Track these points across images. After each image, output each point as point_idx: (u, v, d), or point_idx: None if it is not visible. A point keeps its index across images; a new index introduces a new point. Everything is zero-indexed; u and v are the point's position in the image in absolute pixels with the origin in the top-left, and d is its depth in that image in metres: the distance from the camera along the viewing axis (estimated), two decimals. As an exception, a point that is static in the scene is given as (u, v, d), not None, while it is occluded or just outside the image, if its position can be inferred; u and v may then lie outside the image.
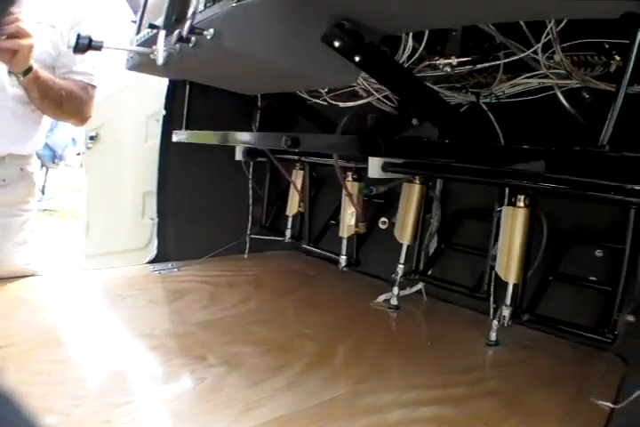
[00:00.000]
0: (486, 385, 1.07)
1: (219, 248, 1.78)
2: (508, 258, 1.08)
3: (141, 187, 1.94)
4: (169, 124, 1.81)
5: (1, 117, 1.47)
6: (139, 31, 1.62)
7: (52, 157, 5.30)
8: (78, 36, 1.14)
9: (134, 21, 1.74)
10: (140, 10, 1.68)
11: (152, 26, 1.42)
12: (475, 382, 1.08)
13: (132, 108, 2.00)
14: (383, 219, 1.61)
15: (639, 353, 1.06)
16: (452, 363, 1.15)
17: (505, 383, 1.07)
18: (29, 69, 1.37)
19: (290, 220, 1.75)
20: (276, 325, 1.32)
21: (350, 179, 1.38)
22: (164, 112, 1.81)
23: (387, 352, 1.20)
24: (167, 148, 1.79)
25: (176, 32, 1.05)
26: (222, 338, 1.25)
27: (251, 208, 1.85)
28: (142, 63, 1.62)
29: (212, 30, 0.92)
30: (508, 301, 1.09)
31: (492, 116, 1.23)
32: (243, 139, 1.42)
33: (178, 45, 1.08)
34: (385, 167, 1.21)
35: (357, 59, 0.95)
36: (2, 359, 1.08)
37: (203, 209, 1.81)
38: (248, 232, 1.84)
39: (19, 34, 1.28)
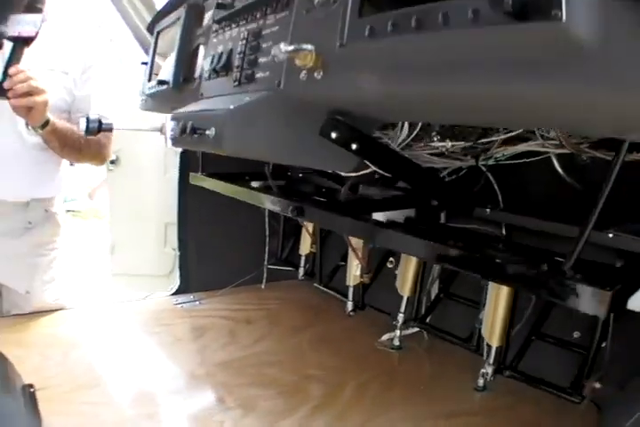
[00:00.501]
0: None
1: (237, 278, 1.95)
2: (492, 324, 1.23)
3: (163, 217, 2.10)
4: (186, 162, 1.94)
5: (22, 165, 1.61)
6: (150, 78, 1.75)
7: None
8: (88, 119, 1.26)
9: (145, 63, 1.87)
10: (150, 54, 1.80)
11: (161, 82, 1.55)
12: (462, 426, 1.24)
13: (150, 137, 2.11)
14: (391, 259, 1.75)
15: (612, 402, 1.19)
16: (440, 407, 1.31)
17: None
18: (46, 123, 1.49)
19: (303, 258, 1.89)
20: (287, 366, 1.49)
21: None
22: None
23: (385, 395, 1.37)
24: (185, 183, 1.94)
25: (180, 124, 1.17)
26: (239, 380, 1.42)
27: (267, 239, 1.99)
28: (155, 106, 1.75)
29: (213, 129, 1.04)
30: (491, 360, 1.24)
31: (492, 178, 1.34)
32: (252, 198, 1.54)
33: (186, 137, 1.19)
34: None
35: (354, 147, 1.08)
36: (41, 401, 1.24)
37: (222, 241, 1.96)
38: (265, 263, 1.98)
39: (32, 91, 1.38)
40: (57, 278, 1.76)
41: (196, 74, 1.45)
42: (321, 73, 0.89)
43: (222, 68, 1.22)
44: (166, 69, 1.72)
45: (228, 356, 1.54)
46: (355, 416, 1.27)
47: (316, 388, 1.39)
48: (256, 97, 1.03)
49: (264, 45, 1.09)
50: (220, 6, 1.27)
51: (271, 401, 1.34)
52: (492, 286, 1.23)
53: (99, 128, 1.26)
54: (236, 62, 1.18)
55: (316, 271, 1.80)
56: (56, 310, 1.75)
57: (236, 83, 1.16)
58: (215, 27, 1.34)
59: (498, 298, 1.21)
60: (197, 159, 1.86)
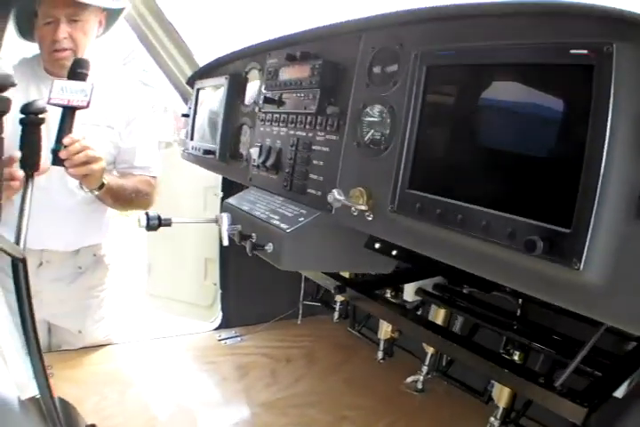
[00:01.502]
0: None
1: (274, 313, 2.16)
2: (501, 390, 1.44)
3: (203, 253, 2.28)
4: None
5: (72, 218, 1.76)
6: (192, 136, 1.90)
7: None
8: (148, 217, 1.39)
9: (186, 115, 2.01)
10: (192, 111, 1.93)
11: (207, 152, 1.70)
12: None
13: (188, 171, 2.24)
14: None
15: None
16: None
17: None
18: (102, 185, 1.59)
19: (338, 303, 2.06)
20: (324, 407, 1.72)
21: (389, 295, 1.71)
22: (220, 194, 2.12)
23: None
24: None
25: (238, 231, 1.34)
26: (282, 420, 1.66)
27: (303, 277, 2.10)
28: (197, 162, 1.90)
29: (271, 246, 1.23)
30: (498, 416, 1.46)
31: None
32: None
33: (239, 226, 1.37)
34: (417, 293, 1.56)
35: (394, 253, 1.26)
36: None
37: (261, 278, 2.11)
38: (301, 299, 2.17)
39: (89, 160, 1.46)
40: (106, 317, 1.97)
41: (243, 152, 1.60)
42: (371, 216, 1.06)
43: (272, 166, 1.39)
44: (205, 133, 1.86)
45: (272, 396, 1.77)
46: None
47: (350, 429, 1.63)
48: (310, 219, 1.21)
49: (314, 162, 1.25)
50: (268, 101, 1.41)
51: (313, 441, 1.58)
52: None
53: (159, 224, 1.40)
54: (286, 168, 1.35)
55: (349, 315, 2.00)
56: (105, 345, 1.97)
57: (287, 187, 1.33)
58: (262, 116, 1.48)
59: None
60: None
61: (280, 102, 1.39)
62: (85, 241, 1.87)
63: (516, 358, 1.40)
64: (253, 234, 1.30)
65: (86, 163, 1.46)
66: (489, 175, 0.84)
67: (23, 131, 1.35)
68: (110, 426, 1.54)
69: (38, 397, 1.34)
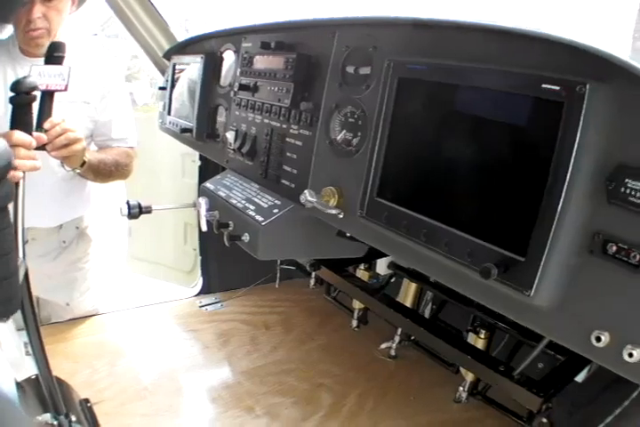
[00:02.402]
0: None
1: (254, 277, 2.22)
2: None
3: (183, 217, 2.30)
4: (205, 171, 2.11)
5: (55, 195, 1.77)
6: (169, 111, 1.88)
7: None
8: (129, 205, 1.43)
9: (163, 88, 1.98)
10: (168, 86, 1.91)
11: (185, 130, 1.70)
12: None
13: (165, 138, 2.21)
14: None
15: (563, 423, 1.53)
16: (425, 416, 1.64)
17: None
18: (83, 163, 1.60)
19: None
20: (301, 375, 1.81)
21: (362, 268, 1.77)
22: (198, 162, 2.12)
23: (381, 405, 1.70)
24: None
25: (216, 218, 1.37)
26: (262, 388, 1.75)
27: None
28: (174, 136, 1.90)
29: (247, 236, 1.26)
30: (466, 388, 1.57)
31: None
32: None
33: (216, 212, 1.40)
34: (389, 266, 1.62)
35: None
36: (101, 415, 1.52)
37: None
38: (278, 262, 2.22)
39: (70, 142, 1.46)
40: (92, 287, 2.02)
41: (219, 133, 1.60)
42: (342, 215, 1.09)
43: (248, 153, 1.39)
44: (182, 108, 1.84)
45: (252, 364, 1.85)
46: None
47: (326, 397, 1.72)
48: (284, 211, 1.24)
49: (288, 154, 1.27)
50: (243, 88, 1.40)
51: (290, 409, 1.67)
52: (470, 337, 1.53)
53: (140, 212, 1.42)
54: (261, 156, 1.36)
55: (325, 282, 2.06)
56: (92, 315, 2.03)
57: (262, 175, 1.35)
58: (237, 100, 1.47)
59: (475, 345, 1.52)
60: (215, 169, 2.03)
61: (255, 89, 1.38)
62: (67, 216, 1.89)
63: (482, 336, 1.49)
64: (230, 222, 1.33)
65: (67, 145, 1.46)
66: (453, 195, 0.87)
67: (14, 110, 1.33)
68: (103, 399, 1.61)
69: (34, 377, 1.42)
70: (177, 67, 1.86)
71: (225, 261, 2.18)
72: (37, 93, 1.41)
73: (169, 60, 1.95)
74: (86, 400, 1.58)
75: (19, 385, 1.32)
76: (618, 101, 0.68)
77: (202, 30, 1.77)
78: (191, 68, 1.76)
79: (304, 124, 1.21)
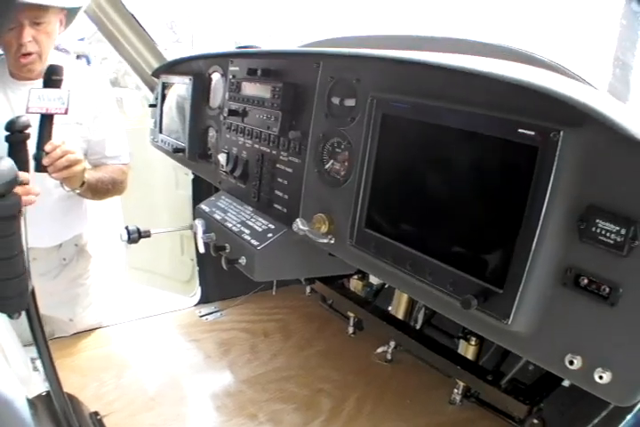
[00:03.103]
0: None
1: (251, 285, 2.25)
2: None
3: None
4: (199, 185, 2.16)
5: (53, 215, 1.80)
6: (160, 129, 1.92)
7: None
8: (128, 231, 1.50)
9: (153, 105, 2.02)
10: (159, 105, 1.94)
11: (177, 150, 1.74)
12: None
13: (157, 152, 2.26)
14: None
15: (555, 423, 1.61)
16: (422, 419, 1.71)
17: None
18: (82, 183, 1.64)
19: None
20: (301, 381, 1.87)
21: (355, 278, 1.84)
22: (191, 176, 2.17)
23: (379, 408, 1.76)
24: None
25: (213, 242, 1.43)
26: (264, 395, 1.81)
27: None
28: (167, 153, 1.94)
29: (244, 259, 1.32)
30: (460, 392, 1.64)
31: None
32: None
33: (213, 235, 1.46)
34: None
35: None
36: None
37: None
38: None
39: (71, 164, 1.50)
40: (94, 302, 2.07)
41: (211, 153, 1.65)
42: (333, 240, 1.14)
43: (240, 177, 1.44)
44: (172, 124, 1.88)
45: (252, 372, 1.91)
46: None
47: (325, 402, 1.78)
48: (277, 236, 1.30)
49: (279, 180, 1.32)
50: (232, 113, 1.44)
51: (291, 415, 1.73)
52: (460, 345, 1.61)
53: (139, 236, 1.48)
54: (253, 180, 1.41)
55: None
56: (95, 329, 2.08)
57: (255, 198, 1.40)
58: (227, 123, 1.52)
59: (466, 352, 1.58)
60: (208, 182, 2.08)
61: (244, 114, 1.42)
62: (68, 234, 1.94)
63: (472, 342, 1.56)
64: (227, 245, 1.39)
65: (68, 166, 1.50)
66: (436, 228, 0.92)
67: (10, 148, 1.38)
68: (112, 411, 1.67)
69: (44, 393, 1.47)
70: (166, 86, 1.90)
71: (222, 271, 2.21)
72: (36, 117, 1.47)
73: (157, 77, 1.98)
74: (96, 413, 1.63)
75: (30, 402, 1.38)
76: (590, 146, 0.72)
77: (188, 32, 1.81)
78: (179, 85, 1.80)
79: (293, 151, 1.26)
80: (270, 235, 1.29)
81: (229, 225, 1.40)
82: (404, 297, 1.82)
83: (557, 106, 0.73)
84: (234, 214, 1.44)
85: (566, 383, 1.35)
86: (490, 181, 0.84)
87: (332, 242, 1.14)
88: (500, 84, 0.80)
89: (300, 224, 1.13)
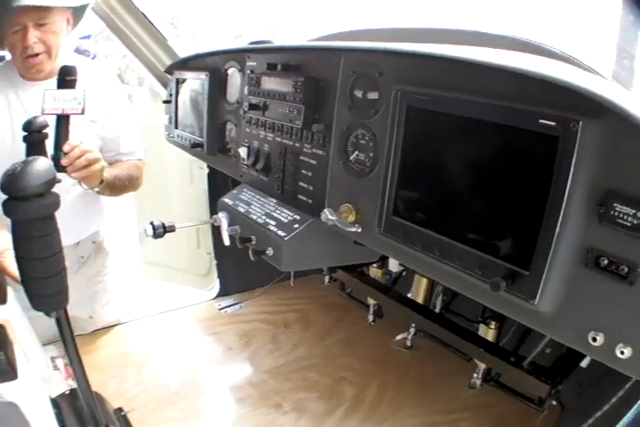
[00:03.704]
0: (460, 425, 1.73)
1: (269, 276, 2.35)
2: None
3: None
4: (215, 177, 2.24)
5: (69, 214, 1.74)
6: (176, 125, 2.00)
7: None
8: (153, 226, 1.56)
9: (167, 101, 2.09)
10: (173, 101, 2.02)
11: (195, 145, 1.83)
12: (453, 422, 1.74)
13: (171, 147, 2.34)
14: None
15: (573, 404, 1.70)
16: (441, 405, 1.81)
17: (473, 424, 1.73)
18: (101, 181, 1.70)
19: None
20: (322, 370, 1.97)
21: (375, 266, 1.93)
22: (207, 169, 2.25)
23: (399, 395, 1.86)
24: (215, 196, 2.24)
25: (239, 233, 1.51)
26: (287, 385, 1.91)
27: None
28: (183, 149, 2.02)
29: (271, 250, 1.40)
30: (480, 376, 1.73)
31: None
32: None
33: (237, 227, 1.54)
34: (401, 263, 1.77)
35: None
36: (135, 423, 1.66)
37: None
38: None
39: (90, 162, 1.56)
40: (113, 299, 2.16)
41: (230, 147, 1.73)
42: (360, 229, 1.22)
43: (262, 169, 1.52)
44: (186, 118, 1.96)
45: (275, 362, 2.01)
46: (376, 416, 1.78)
47: (348, 390, 1.89)
48: (304, 226, 1.37)
49: (303, 171, 1.40)
50: (253, 107, 1.52)
51: (315, 403, 1.83)
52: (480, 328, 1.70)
53: (164, 231, 1.56)
54: (276, 172, 1.49)
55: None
56: (114, 325, 2.17)
57: (279, 191, 1.48)
58: (247, 117, 1.59)
59: (485, 336, 1.68)
60: (224, 176, 2.15)
61: (265, 108, 1.50)
62: (86, 232, 2.01)
63: (492, 326, 1.65)
64: (253, 237, 1.47)
65: (87, 165, 1.56)
66: (463, 214, 1.00)
67: (28, 148, 1.45)
68: (134, 407, 1.75)
69: (68, 392, 1.55)
70: (180, 82, 1.97)
71: (240, 263, 2.31)
72: (52, 118, 1.53)
73: (170, 74, 2.06)
74: (120, 409, 1.70)
75: (54, 402, 1.46)
76: (607, 135, 0.79)
77: (189, 28, 1.87)
78: (192, 81, 1.88)
79: (317, 144, 1.33)
80: (296, 225, 1.37)
81: (254, 217, 1.48)
82: (423, 284, 1.91)
83: (576, 98, 0.80)
84: (258, 207, 1.52)
85: (584, 364, 1.44)
86: (513, 169, 0.92)
87: (359, 231, 1.22)
88: (521, 77, 0.88)
89: (328, 214, 1.21)
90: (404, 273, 2.01)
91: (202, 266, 2.49)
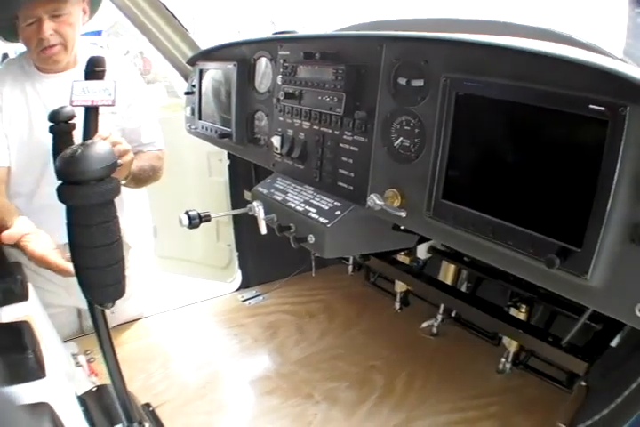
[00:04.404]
0: (489, 410, 1.83)
1: (289, 267, 2.45)
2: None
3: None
4: (236, 169, 2.33)
5: None
6: (200, 116, 2.08)
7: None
8: (189, 216, 1.62)
9: (189, 92, 2.17)
10: (197, 92, 2.10)
11: (223, 135, 1.91)
12: (482, 406, 1.84)
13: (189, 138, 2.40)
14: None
15: (597, 385, 1.80)
16: (470, 390, 1.91)
17: (502, 408, 1.83)
18: (128, 174, 1.78)
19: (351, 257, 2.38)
20: (351, 359, 2.07)
21: (403, 253, 2.03)
22: (227, 161, 2.34)
23: (429, 382, 1.96)
24: (237, 188, 2.34)
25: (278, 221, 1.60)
26: (317, 375, 2.00)
27: None
28: (206, 138, 2.10)
29: (312, 237, 1.49)
30: (509, 359, 1.84)
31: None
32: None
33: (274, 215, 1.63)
34: (429, 250, 1.88)
35: None
36: (164, 418, 1.74)
37: (273, 235, 2.37)
38: (312, 252, 2.44)
39: (120, 154, 1.61)
40: (135, 293, 2.23)
41: (260, 137, 1.81)
42: (405, 213, 1.31)
43: (298, 158, 1.61)
44: (207, 107, 2.04)
45: (302, 352, 2.11)
46: (406, 403, 1.88)
47: (378, 379, 1.98)
48: (346, 212, 1.46)
49: (343, 159, 1.48)
50: (288, 96, 1.61)
51: (346, 393, 1.93)
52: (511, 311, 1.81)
53: (200, 221, 1.63)
54: (314, 160, 1.57)
55: (363, 267, 2.31)
56: (137, 320, 2.25)
57: (317, 179, 1.57)
58: (280, 106, 1.68)
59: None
60: (246, 167, 2.24)
61: (300, 97, 1.59)
62: None
63: (522, 310, 1.75)
64: (292, 225, 1.56)
65: (118, 157, 1.55)
66: (516, 196, 1.09)
67: (55, 140, 1.49)
68: (163, 402, 1.83)
69: (95, 389, 1.60)
70: (204, 72, 2.05)
71: (261, 255, 2.42)
72: (80, 110, 1.56)
73: (192, 65, 2.14)
74: (148, 405, 1.78)
75: (80, 399, 1.49)
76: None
77: (189, 25, 1.92)
78: (214, 71, 1.98)
79: (358, 131, 1.41)
80: (338, 212, 1.46)
81: (292, 205, 1.57)
82: (450, 271, 2.02)
83: (622, 85, 0.89)
84: (295, 195, 1.61)
85: (614, 343, 1.55)
86: (563, 152, 1.01)
87: (404, 215, 1.31)
88: (571, 66, 0.97)
89: (375, 199, 1.29)
90: (429, 261, 2.12)
91: (222, 258, 2.58)
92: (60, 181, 1.09)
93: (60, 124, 1.48)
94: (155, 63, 2.54)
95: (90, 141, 1.11)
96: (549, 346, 1.54)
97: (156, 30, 2.17)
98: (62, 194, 1.08)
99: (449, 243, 1.28)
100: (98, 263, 1.16)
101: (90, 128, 1.58)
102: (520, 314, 1.79)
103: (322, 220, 1.47)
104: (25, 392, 1.18)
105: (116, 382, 1.41)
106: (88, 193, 1.08)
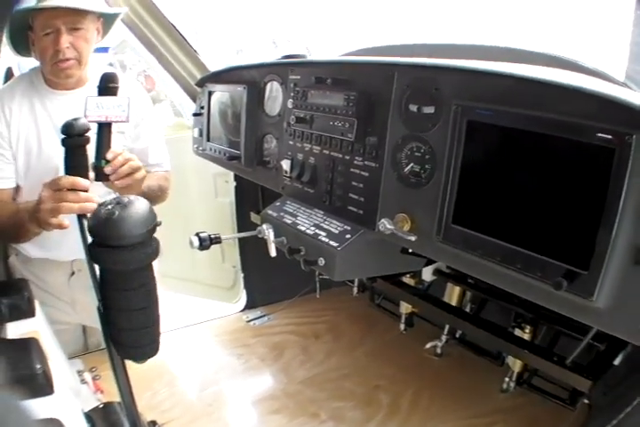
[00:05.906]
0: None
1: (294, 288, 2.51)
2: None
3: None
4: (242, 191, 2.40)
5: None
6: (209, 138, 2.16)
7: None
8: (199, 238, 1.67)
9: (197, 114, 2.25)
10: (205, 113, 2.18)
11: (232, 158, 1.98)
12: (487, 425, 1.90)
13: (195, 159, 2.43)
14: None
15: (599, 402, 1.86)
16: (474, 409, 1.96)
17: (507, 426, 1.89)
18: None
19: (356, 280, 2.45)
20: (356, 379, 2.13)
21: (408, 276, 2.10)
22: (233, 183, 2.41)
23: (434, 401, 2.02)
24: (243, 210, 2.41)
25: (288, 243, 1.67)
26: (323, 394, 2.06)
27: None
28: (214, 160, 2.17)
29: (323, 260, 1.55)
30: (513, 379, 1.91)
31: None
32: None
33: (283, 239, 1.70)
34: (434, 273, 1.95)
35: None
36: None
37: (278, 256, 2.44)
38: (317, 273, 2.48)
39: (132, 170, 1.65)
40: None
41: (269, 160, 1.89)
42: (414, 237, 1.38)
43: (309, 182, 1.68)
44: (214, 130, 2.12)
45: (308, 372, 2.16)
46: (413, 422, 1.93)
47: (383, 398, 2.04)
48: (356, 236, 1.53)
49: (354, 183, 1.55)
50: (299, 121, 1.68)
51: (352, 412, 1.98)
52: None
53: (210, 243, 1.69)
54: (324, 185, 1.64)
55: (367, 288, 2.38)
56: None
57: (327, 202, 1.64)
58: (290, 130, 1.76)
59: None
60: (252, 189, 2.31)
61: (311, 122, 1.66)
62: None
63: (527, 331, 1.82)
64: (302, 248, 1.63)
65: (130, 174, 1.64)
66: (524, 222, 1.16)
67: (67, 153, 1.50)
68: (169, 420, 1.87)
69: (101, 406, 1.63)
70: (213, 94, 2.13)
71: (267, 276, 2.48)
72: (93, 126, 1.58)
73: (201, 87, 2.22)
74: (153, 422, 1.76)
75: (87, 416, 1.45)
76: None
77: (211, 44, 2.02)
78: (222, 93, 2.06)
79: (369, 156, 1.48)
80: (348, 236, 1.53)
81: (303, 228, 1.63)
82: (455, 293, 2.09)
83: (628, 113, 0.97)
84: (305, 218, 1.67)
85: (617, 362, 1.61)
86: (571, 178, 1.07)
87: (414, 239, 1.38)
88: (579, 94, 1.05)
89: (386, 224, 1.37)
90: (433, 282, 2.19)
91: (227, 279, 2.64)
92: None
93: (73, 138, 1.48)
94: (158, 82, 2.61)
95: (126, 199, 1.05)
96: (554, 365, 1.61)
97: (166, 51, 2.26)
98: (96, 256, 1.01)
99: (458, 267, 1.34)
100: (134, 325, 1.11)
101: (103, 145, 1.61)
102: (524, 335, 1.86)
103: (332, 243, 1.53)
104: (34, 408, 1.22)
105: (126, 400, 1.42)
106: (127, 259, 1.01)
